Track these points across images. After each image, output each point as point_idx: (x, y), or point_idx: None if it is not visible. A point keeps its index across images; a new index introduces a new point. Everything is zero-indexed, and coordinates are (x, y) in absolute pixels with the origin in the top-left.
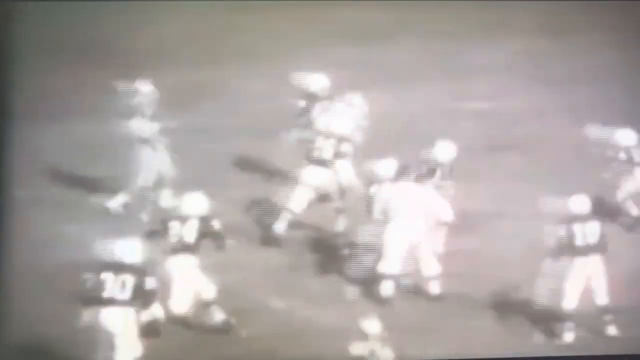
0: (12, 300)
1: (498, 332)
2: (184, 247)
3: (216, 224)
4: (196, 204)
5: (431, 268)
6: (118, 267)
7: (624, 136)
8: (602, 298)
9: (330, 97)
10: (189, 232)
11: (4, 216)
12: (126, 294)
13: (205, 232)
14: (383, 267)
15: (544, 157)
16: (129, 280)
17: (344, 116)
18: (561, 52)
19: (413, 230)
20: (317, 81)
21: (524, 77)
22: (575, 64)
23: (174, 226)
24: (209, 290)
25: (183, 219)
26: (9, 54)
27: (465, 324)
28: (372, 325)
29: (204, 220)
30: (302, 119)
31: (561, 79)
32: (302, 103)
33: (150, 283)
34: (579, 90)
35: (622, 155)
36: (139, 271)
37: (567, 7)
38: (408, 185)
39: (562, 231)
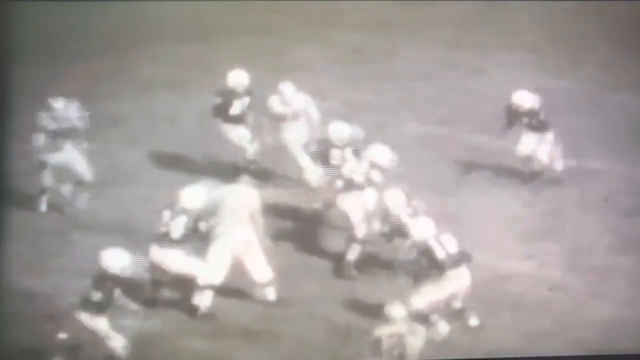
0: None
1: (337, 337)
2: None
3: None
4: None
5: (262, 274)
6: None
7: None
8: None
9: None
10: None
11: None
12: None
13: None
14: (203, 277)
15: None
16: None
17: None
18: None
19: (239, 237)
20: (237, 77)
21: (352, 73)
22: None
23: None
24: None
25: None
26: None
27: (301, 329)
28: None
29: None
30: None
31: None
32: (217, 100)
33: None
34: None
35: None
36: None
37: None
38: (238, 189)
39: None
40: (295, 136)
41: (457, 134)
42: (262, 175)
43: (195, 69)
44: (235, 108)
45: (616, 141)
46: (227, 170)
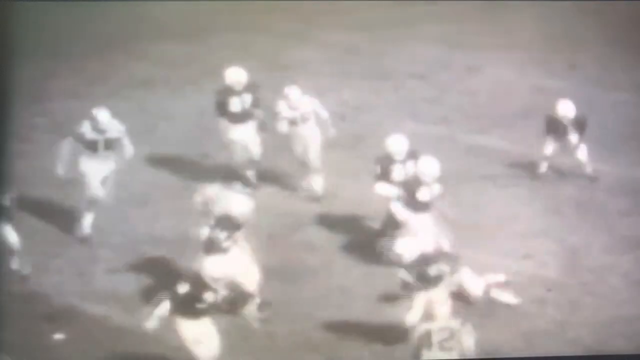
0: None
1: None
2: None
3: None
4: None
5: (252, 278)
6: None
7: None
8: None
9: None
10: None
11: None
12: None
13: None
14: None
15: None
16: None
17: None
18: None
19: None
20: (234, 74)
21: (349, 73)
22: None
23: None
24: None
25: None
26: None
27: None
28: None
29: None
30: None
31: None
32: (216, 98)
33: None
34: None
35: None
36: None
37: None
38: (230, 194)
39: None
40: (304, 140)
41: (455, 134)
42: (264, 175)
43: (193, 68)
44: (235, 106)
45: (615, 140)
46: (227, 171)
